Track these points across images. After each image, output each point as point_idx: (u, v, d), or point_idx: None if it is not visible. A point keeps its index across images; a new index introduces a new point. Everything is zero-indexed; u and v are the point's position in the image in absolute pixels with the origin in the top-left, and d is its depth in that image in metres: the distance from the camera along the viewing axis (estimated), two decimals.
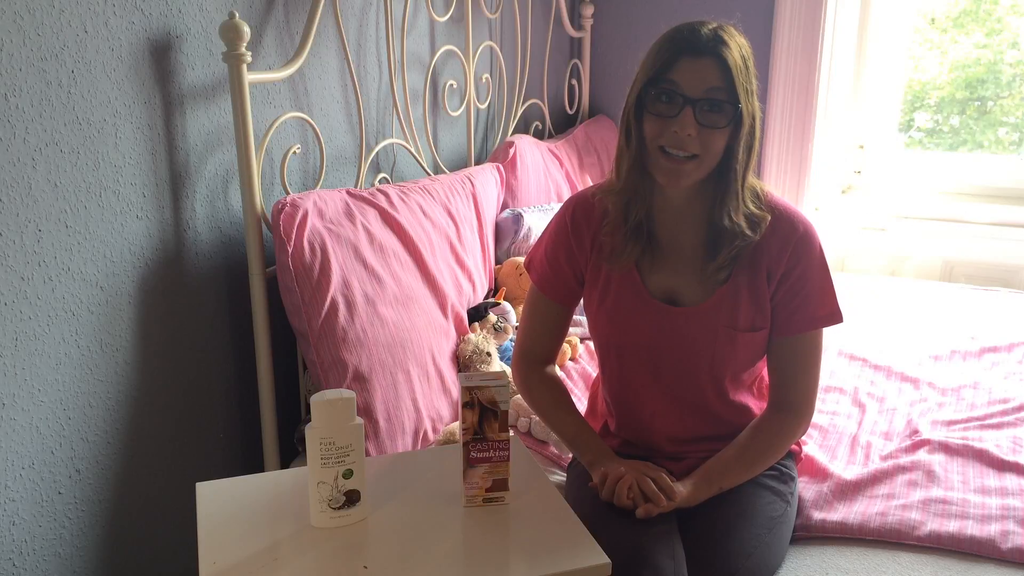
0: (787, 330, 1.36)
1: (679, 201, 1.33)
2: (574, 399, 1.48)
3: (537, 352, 1.48)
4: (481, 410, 1.11)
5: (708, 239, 1.34)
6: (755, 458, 1.36)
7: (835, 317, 1.37)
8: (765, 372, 1.46)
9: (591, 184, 2.61)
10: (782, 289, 1.34)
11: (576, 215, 1.41)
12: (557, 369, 1.61)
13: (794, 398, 1.38)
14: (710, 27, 1.24)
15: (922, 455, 1.59)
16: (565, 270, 1.43)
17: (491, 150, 2.47)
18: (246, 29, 1.42)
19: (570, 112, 2.95)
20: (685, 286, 1.36)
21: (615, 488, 1.26)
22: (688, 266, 1.36)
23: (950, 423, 1.74)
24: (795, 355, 1.38)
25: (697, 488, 1.30)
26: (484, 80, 2.39)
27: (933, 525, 1.39)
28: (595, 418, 1.55)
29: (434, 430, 1.69)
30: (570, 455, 1.61)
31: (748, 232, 1.30)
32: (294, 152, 1.65)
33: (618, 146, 1.34)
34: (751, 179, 1.32)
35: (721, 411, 1.41)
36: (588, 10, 2.89)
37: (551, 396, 1.46)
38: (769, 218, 1.32)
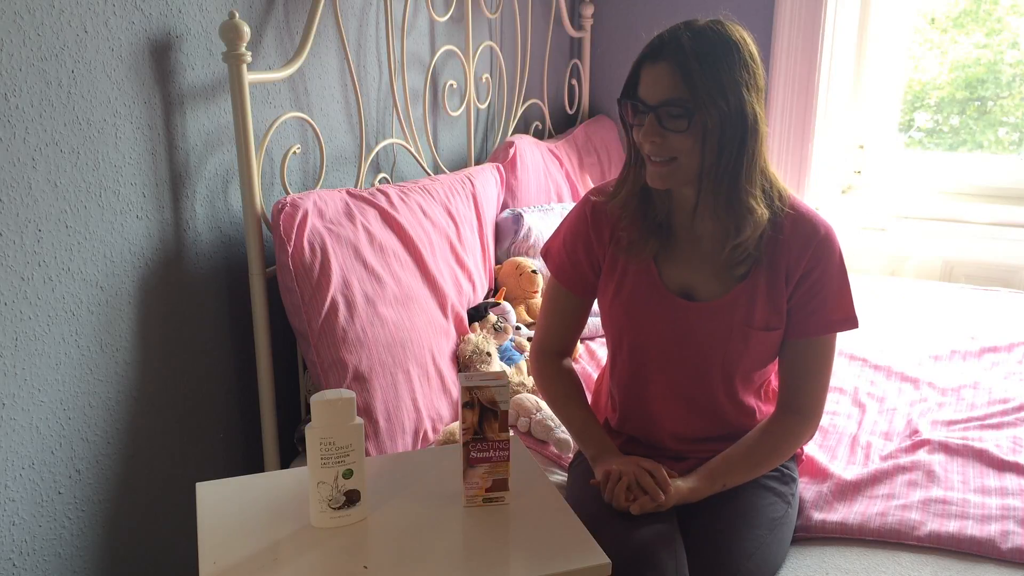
0: (802, 332, 1.36)
1: (692, 199, 1.33)
2: None
3: (554, 345, 1.49)
4: (481, 410, 1.11)
5: (723, 235, 1.33)
6: (761, 459, 1.36)
7: (850, 322, 1.37)
8: (774, 376, 1.46)
9: (591, 184, 2.62)
10: (799, 291, 1.34)
11: (596, 207, 1.41)
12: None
13: (804, 401, 1.38)
14: (674, 29, 1.23)
15: (922, 455, 1.59)
16: (582, 260, 1.43)
17: (491, 150, 2.47)
18: (246, 29, 1.42)
19: (570, 112, 2.95)
20: (702, 281, 1.36)
21: (614, 489, 1.26)
22: (706, 261, 1.36)
23: (950, 423, 1.74)
24: (807, 358, 1.37)
25: (700, 484, 1.30)
26: (484, 80, 2.39)
27: (933, 525, 1.39)
28: (596, 415, 1.55)
29: (434, 430, 1.69)
30: (570, 455, 1.62)
31: (747, 230, 1.28)
32: (294, 152, 1.65)
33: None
34: (771, 177, 1.30)
35: (728, 411, 1.41)
36: (588, 10, 2.89)
37: (564, 388, 1.47)
38: (786, 214, 1.30)
